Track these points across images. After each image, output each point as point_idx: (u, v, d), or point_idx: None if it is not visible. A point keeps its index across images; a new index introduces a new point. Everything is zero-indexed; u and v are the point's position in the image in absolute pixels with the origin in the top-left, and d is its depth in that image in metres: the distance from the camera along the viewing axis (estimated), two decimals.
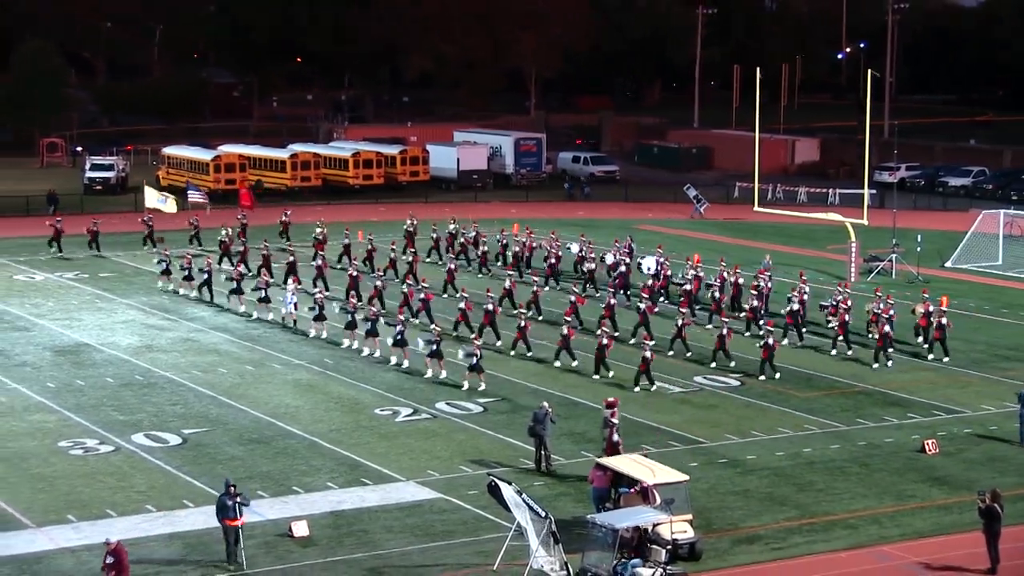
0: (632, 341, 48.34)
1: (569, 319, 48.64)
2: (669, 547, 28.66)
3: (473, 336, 46.57)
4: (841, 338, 48.48)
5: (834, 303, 50.83)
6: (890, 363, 46.67)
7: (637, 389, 43.07)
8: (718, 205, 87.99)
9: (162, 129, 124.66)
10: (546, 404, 36.40)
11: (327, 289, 54.76)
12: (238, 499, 29.07)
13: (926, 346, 48.91)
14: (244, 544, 29.52)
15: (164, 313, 54.49)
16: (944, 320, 48.26)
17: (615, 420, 34.94)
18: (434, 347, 44.24)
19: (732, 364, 46.14)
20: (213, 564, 29.58)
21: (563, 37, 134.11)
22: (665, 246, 63.44)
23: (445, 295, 56.32)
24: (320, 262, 57.66)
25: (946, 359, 47.70)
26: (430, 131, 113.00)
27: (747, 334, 49.84)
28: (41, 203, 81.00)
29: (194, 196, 74.14)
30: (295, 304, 51.00)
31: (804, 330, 50.58)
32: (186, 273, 57.13)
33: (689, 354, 47.31)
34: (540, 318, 52.18)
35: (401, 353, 45.86)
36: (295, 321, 51.14)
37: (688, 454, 37.26)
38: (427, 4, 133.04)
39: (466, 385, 43.15)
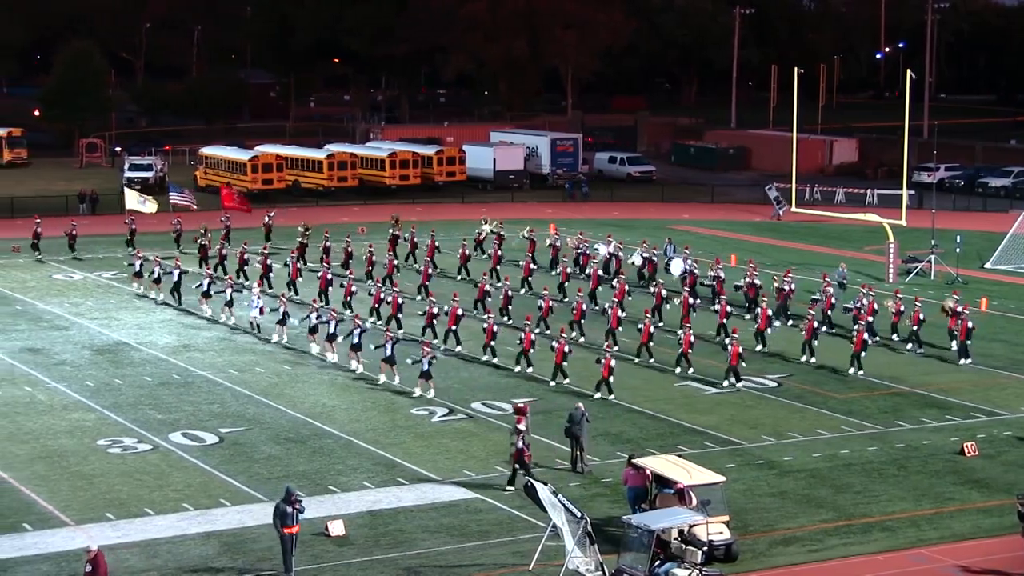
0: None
1: (528, 323, 46.80)
2: (705, 548, 28.61)
3: (423, 342, 45.26)
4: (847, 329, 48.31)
5: (858, 306, 50.54)
6: (859, 372, 45.63)
7: (597, 395, 42.20)
8: (755, 206, 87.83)
9: (200, 129, 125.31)
10: (581, 405, 36.42)
11: (292, 292, 54.66)
12: (297, 506, 28.79)
13: (954, 347, 48.62)
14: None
15: (201, 312, 54.64)
16: (970, 324, 47.73)
17: (521, 427, 34.47)
18: (387, 352, 43.35)
19: (691, 371, 45.12)
20: (249, 563, 29.73)
21: (601, 38, 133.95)
22: (704, 247, 63.33)
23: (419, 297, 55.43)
24: (293, 264, 57.16)
25: (967, 360, 47.21)
26: (467, 131, 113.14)
27: (717, 339, 48.87)
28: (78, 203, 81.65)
29: (175, 198, 73.62)
30: (260, 309, 50.25)
31: (832, 330, 50.37)
32: (155, 276, 56.72)
33: (652, 360, 46.52)
34: (510, 321, 51.15)
35: (356, 359, 45.05)
36: (258, 326, 50.38)
37: (725, 455, 37.19)
38: (469, 5, 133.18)
39: (417, 392, 42.37)
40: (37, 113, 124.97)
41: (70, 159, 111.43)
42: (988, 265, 66.11)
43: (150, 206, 71.03)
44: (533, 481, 29.82)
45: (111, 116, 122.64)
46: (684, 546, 28.51)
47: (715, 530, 29.40)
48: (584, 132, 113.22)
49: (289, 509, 28.69)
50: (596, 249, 62.42)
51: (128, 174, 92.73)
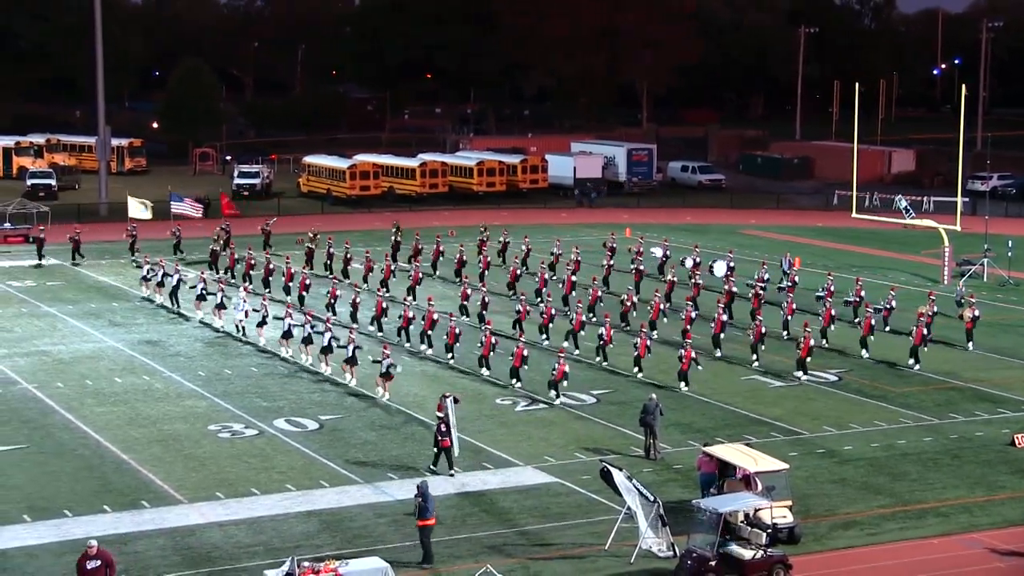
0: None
1: (489, 327, 45.87)
2: (769, 531, 28.48)
3: (383, 344, 43.95)
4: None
5: (888, 307, 49.77)
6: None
7: (557, 401, 41.29)
8: (818, 212, 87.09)
9: (303, 140, 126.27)
10: (654, 396, 36.29)
11: (271, 295, 54.07)
12: (419, 500, 28.69)
13: (971, 345, 47.92)
14: (378, 522, 29.73)
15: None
16: (925, 331, 45.98)
17: (440, 414, 34.21)
18: (353, 352, 42.59)
19: (640, 375, 43.81)
20: (346, 539, 29.93)
21: (675, 56, 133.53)
22: (772, 250, 62.75)
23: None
24: (286, 269, 56.41)
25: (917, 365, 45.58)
26: (549, 142, 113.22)
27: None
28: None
29: (176, 207, 73.37)
30: (246, 312, 49.38)
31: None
32: (158, 279, 56.14)
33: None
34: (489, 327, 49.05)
35: (326, 361, 44.25)
36: (244, 328, 49.45)
37: (788, 444, 36.90)
38: (552, 25, 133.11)
39: (380, 392, 41.25)
40: (155, 125, 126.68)
41: (184, 167, 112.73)
42: None
43: (148, 211, 71.19)
44: (609, 466, 29.79)
45: (222, 128, 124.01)
46: (750, 528, 28.40)
47: (779, 514, 29.25)
48: (658, 143, 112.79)
49: (418, 502, 28.73)
50: (653, 253, 61.76)
51: (237, 181, 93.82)
